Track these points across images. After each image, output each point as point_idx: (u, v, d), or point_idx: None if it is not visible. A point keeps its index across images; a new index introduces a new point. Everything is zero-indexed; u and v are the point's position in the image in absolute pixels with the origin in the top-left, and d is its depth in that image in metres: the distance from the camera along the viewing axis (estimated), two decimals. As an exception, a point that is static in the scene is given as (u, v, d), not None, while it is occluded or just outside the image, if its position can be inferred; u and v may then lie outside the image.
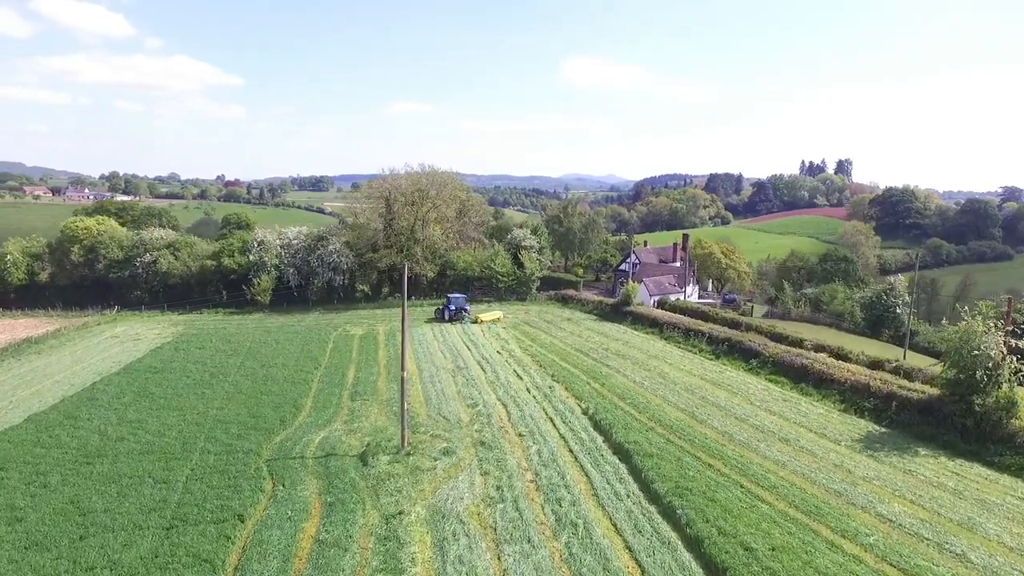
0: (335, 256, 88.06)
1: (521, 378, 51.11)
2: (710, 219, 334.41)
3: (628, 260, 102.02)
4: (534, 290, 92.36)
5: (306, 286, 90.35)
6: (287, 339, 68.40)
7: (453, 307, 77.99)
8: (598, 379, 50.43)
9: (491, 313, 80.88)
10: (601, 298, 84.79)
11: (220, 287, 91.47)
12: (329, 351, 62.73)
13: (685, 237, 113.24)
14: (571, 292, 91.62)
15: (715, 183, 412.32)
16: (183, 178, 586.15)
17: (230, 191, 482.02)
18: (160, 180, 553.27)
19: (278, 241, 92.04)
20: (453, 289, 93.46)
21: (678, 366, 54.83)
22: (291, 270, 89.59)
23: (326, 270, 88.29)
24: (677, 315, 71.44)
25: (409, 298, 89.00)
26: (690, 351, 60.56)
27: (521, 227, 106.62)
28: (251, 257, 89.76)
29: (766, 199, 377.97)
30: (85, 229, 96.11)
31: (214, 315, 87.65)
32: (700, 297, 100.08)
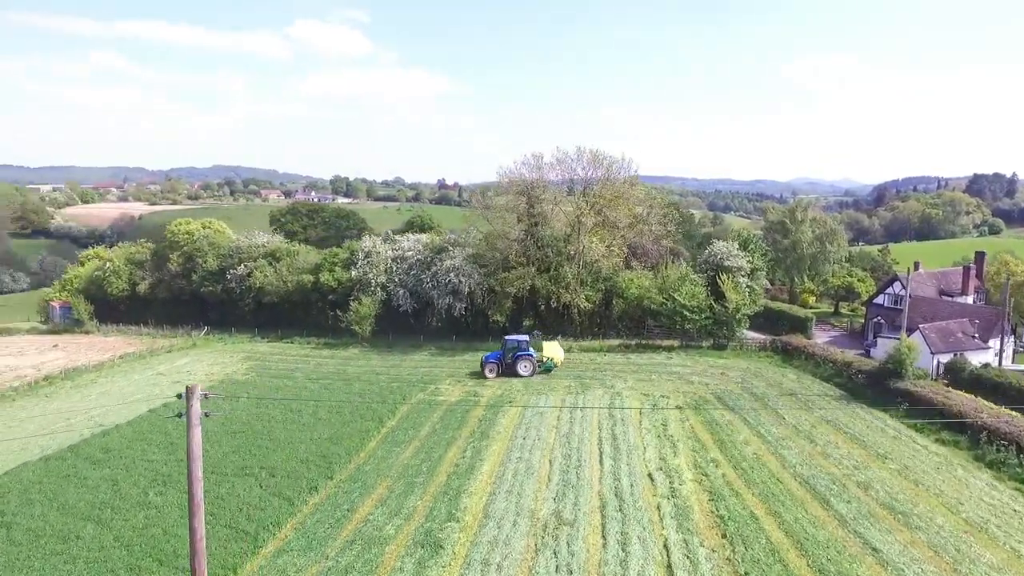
0: (452, 275, 64.19)
1: (674, 578, 23.23)
2: (974, 227, 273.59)
3: (890, 291, 68.14)
4: (741, 333, 62.44)
5: (422, 313, 67.51)
6: (338, 405, 45.34)
7: (495, 357, 53.41)
8: (860, 610, 21.24)
9: (550, 348, 54.73)
10: (851, 357, 52.78)
11: (326, 309, 71.27)
12: (375, 443, 38.50)
13: (980, 257, 76.45)
14: (797, 340, 60.36)
15: (980, 185, 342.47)
16: (408, 181, 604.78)
17: (443, 194, 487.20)
18: (386, 183, 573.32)
19: (390, 252, 70.18)
20: (621, 326, 66.16)
21: (1053, 572, 23.73)
22: (401, 291, 67.22)
23: (443, 293, 64.74)
24: (1003, 410, 38.51)
25: (553, 337, 62.96)
26: (1059, 511, 28.63)
27: (728, 240, 75.72)
28: (354, 273, 68.67)
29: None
30: (186, 234, 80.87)
31: (302, 347, 67.63)
32: (1016, 355, 63.18)
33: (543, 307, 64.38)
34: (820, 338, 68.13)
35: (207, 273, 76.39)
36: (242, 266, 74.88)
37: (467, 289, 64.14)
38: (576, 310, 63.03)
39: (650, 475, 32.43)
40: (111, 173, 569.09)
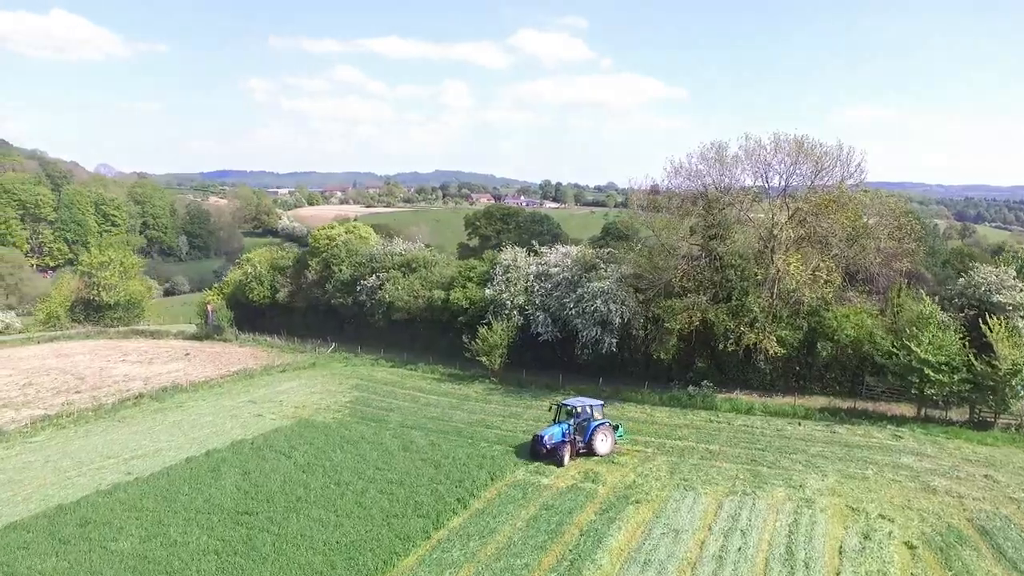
0: (598, 302, 49.97)
1: None
2: None
3: None
4: (1018, 406, 42.18)
5: (567, 344, 54.02)
6: (399, 481, 33.33)
7: (563, 433, 36.39)
8: None
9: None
10: None
11: (460, 332, 59.66)
12: (412, 560, 25.96)
13: None
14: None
15: None
16: (620, 187, 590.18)
17: (651, 199, 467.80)
18: (598, 188, 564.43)
19: (533, 268, 57.49)
20: (828, 379, 48.45)
21: None
22: (541, 316, 54.23)
23: (588, 323, 50.76)
24: None
25: (719, 389, 46.96)
26: None
27: (1001, 263, 53.38)
28: (488, 291, 56.85)
29: None
30: (328, 240, 73.86)
31: (424, 377, 57.13)
32: None
33: (720, 347, 47.94)
34: None
35: (340, 283, 68.63)
36: (373, 276, 66.05)
37: (618, 320, 49.65)
38: (763, 355, 46.14)
39: None
40: (345, 178, 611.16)
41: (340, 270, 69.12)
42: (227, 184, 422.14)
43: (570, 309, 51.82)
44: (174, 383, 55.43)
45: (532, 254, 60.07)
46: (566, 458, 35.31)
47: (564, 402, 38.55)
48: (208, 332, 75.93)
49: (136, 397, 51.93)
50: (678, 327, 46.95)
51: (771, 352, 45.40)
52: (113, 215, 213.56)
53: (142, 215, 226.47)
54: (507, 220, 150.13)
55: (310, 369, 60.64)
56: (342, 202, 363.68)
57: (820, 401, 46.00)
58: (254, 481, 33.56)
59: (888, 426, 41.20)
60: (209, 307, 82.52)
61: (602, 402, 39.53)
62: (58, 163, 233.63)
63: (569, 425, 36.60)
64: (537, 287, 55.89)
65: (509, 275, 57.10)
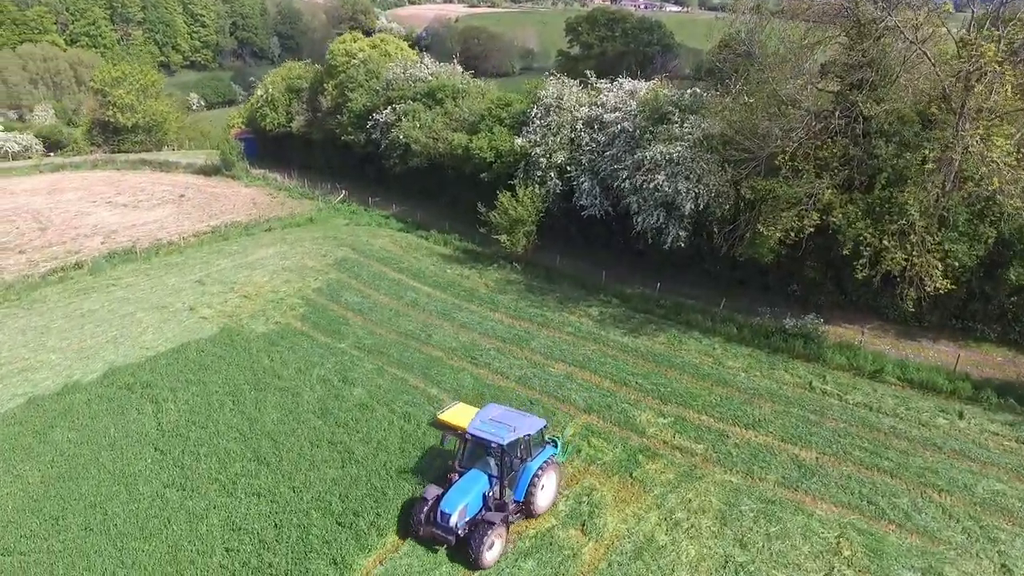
0: (661, 176, 33.31)
1: None
2: None
3: None
4: None
5: (622, 222, 38.18)
6: (275, 492, 20.77)
7: (484, 496, 18.78)
8: None
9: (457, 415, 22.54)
10: None
11: (489, 192, 44.46)
12: None
13: None
14: None
15: None
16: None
17: (797, 5, 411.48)
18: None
19: (584, 111, 40.49)
20: (1015, 317, 30.79)
21: None
22: (585, 182, 38.20)
23: (648, 204, 34.60)
24: None
25: (834, 318, 30.88)
26: None
27: None
28: (519, 141, 40.78)
29: None
30: (346, 56, 58.16)
31: (431, 250, 43.31)
32: None
33: (845, 254, 30.53)
34: None
35: (353, 115, 53.93)
36: (388, 109, 50.80)
37: (690, 205, 33.12)
38: (916, 289, 28.73)
39: None
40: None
41: (354, 98, 54.13)
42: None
43: (623, 181, 35.51)
44: (133, 244, 44.54)
45: (589, 89, 42.75)
46: (493, 551, 18.15)
47: (475, 432, 19.02)
48: (219, 167, 64.17)
49: (71, 267, 41.39)
50: (779, 234, 30.10)
51: (931, 288, 27.91)
52: (201, 15, 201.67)
53: (231, 15, 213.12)
54: (612, 26, 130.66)
55: (302, 228, 48.06)
56: (445, 1, 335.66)
57: (996, 359, 28.86)
58: (68, 467, 22.10)
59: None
60: (235, 133, 70.75)
61: (545, 421, 20.73)
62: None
63: (493, 477, 19.20)
64: (586, 139, 39.33)
65: (551, 120, 40.66)
